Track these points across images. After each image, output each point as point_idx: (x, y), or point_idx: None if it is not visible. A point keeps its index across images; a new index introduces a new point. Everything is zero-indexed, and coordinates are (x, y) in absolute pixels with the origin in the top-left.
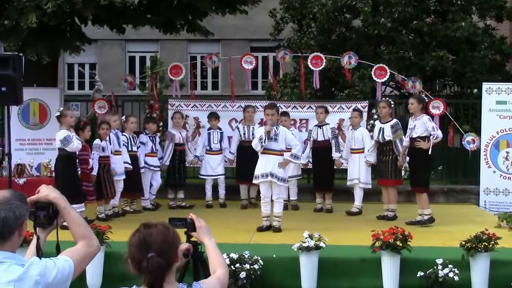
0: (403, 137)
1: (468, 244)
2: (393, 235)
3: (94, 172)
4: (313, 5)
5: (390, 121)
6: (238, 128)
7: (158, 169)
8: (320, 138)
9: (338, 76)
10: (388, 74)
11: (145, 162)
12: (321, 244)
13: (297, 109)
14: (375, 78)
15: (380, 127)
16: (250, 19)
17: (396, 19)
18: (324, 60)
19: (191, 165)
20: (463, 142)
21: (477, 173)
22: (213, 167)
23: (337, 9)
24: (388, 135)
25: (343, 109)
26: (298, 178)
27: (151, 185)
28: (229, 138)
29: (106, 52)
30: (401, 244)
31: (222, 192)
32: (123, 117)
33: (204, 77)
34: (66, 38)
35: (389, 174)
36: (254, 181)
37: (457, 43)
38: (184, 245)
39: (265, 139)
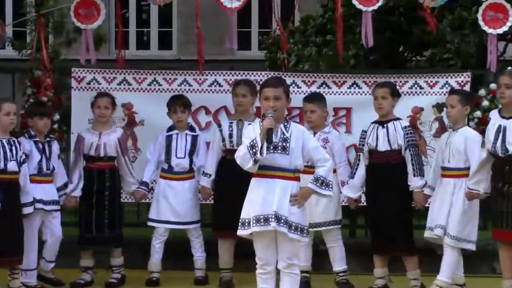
0: None
1: None
2: None
3: None
4: None
5: None
6: (219, 128)
7: (56, 207)
8: (383, 147)
9: (411, 23)
10: None
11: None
12: None
13: (329, 87)
14: (484, 27)
15: (500, 126)
16: None
17: None
18: None
19: (135, 201)
20: None
21: None
22: (174, 206)
23: None
24: None
25: (422, 88)
26: (335, 227)
27: (43, 241)
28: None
29: None
30: None
31: (199, 255)
32: None
33: (143, 25)
34: None
35: None
36: (241, 232)
37: None
38: None
39: (261, 148)
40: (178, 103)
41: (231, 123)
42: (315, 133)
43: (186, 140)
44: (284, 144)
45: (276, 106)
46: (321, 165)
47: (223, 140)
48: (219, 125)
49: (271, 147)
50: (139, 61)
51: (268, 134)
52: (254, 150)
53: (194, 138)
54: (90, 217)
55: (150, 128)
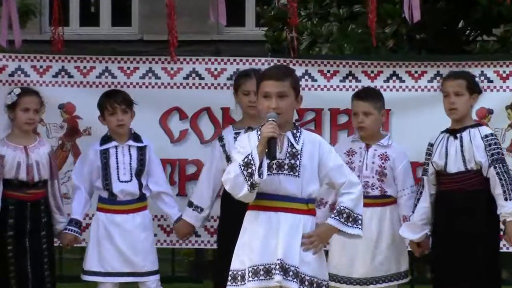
0: None
1: None
2: None
3: None
4: None
5: None
6: (221, 142)
7: None
8: (454, 168)
9: None
10: None
11: None
12: None
13: (358, 80)
14: None
15: None
16: None
17: None
18: None
19: (64, 245)
20: None
21: None
22: (123, 250)
23: None
24: None
25: (491, 81)
26: (400, 282)
27: None
28: (170, 165)
29: None
30: None
31: None
32: None
33: None
34: None
35: None
36: None
37: None
38: None
39: (260, 167)
40: (117, 100)
41: (237, 133)
42: (367, 147)
43: (130, 154)
44: (292, 161)
45: (280, 107)
46: (346, 192)
47: (228, 159)
48: (221, 139)
49: (274, 166)
50: (84, 42)
51: (269, 147)
52: (249, 171)
53: (141, 152)
54: (25, 267)
55: (99, 139)
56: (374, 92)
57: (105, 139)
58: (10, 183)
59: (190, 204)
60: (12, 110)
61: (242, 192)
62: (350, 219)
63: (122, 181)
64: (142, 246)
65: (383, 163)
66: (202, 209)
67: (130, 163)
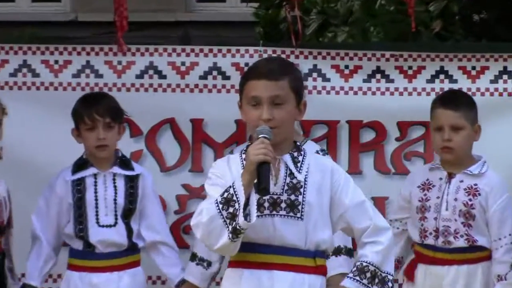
0: None
1: None
2: None
3: None
4: None
5: None
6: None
7: None
8: None
9: None
10: None
11: None
12: None
13: (389, 80)
14: None
15: None
16: None
17: None
18: None
19: None
20: None
21: None
22: None
23: None
24: None
25: None
26: None
27: None
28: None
29: None
30: None
31: None
32: None
33: None
34: None
35: None
36: None
37: None
38: None
39: (245, 205)
40: (99, 110)
41: None
42: (450, 177)
43: (115, 187)
44: (292, 197)
45: (275, 118)
46: (370, 241)
47: None
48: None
49: (267, 204)
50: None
51: (259, 176)
52: (231, 211)
53: (132, 183)
54: None
55: (18, 165)
56: (466, 97)
57: (80, 165)
58: None
59: (193, 257)
60: None
61: (220, 242)
62: (376, 281)
63: (102, 226)
64: None
65: (470, 199)
66: (209, 263)
67: (115, 200)
